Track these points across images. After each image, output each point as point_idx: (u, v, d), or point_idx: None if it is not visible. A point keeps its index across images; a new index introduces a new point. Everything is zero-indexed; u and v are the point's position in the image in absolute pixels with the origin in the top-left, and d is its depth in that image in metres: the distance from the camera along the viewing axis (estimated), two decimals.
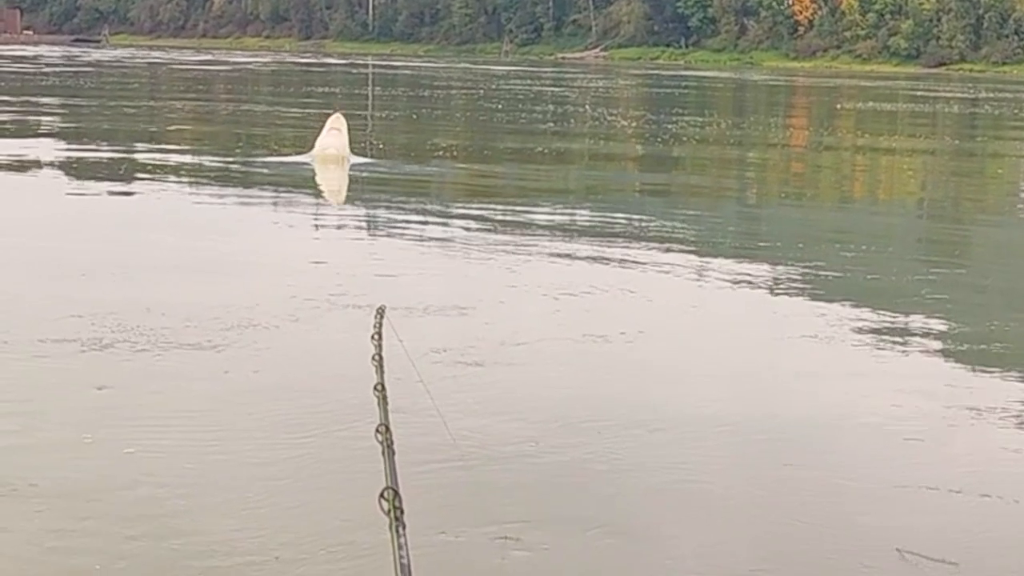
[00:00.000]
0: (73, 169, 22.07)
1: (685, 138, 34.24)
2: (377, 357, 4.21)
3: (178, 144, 27.94)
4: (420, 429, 7.29)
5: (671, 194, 21.93)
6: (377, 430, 3.55)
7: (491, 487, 6.92)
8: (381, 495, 3.01)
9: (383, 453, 3.41)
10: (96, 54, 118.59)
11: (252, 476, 6.93)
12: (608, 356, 9.99)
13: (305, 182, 22.38)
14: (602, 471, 7.18)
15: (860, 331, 10.98)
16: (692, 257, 14.34)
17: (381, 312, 4.78)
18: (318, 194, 21.50)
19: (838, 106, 61.46)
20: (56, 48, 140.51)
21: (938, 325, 11.37)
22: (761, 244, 15.59)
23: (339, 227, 17.44)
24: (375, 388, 3.91)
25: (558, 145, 30.86)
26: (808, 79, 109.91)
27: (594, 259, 13.90)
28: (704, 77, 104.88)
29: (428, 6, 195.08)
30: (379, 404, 3.85)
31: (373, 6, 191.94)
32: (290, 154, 25.23)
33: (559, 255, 14.14)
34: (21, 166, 22.02)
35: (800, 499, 6.90)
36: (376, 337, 4.35)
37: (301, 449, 7.38)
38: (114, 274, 12.46)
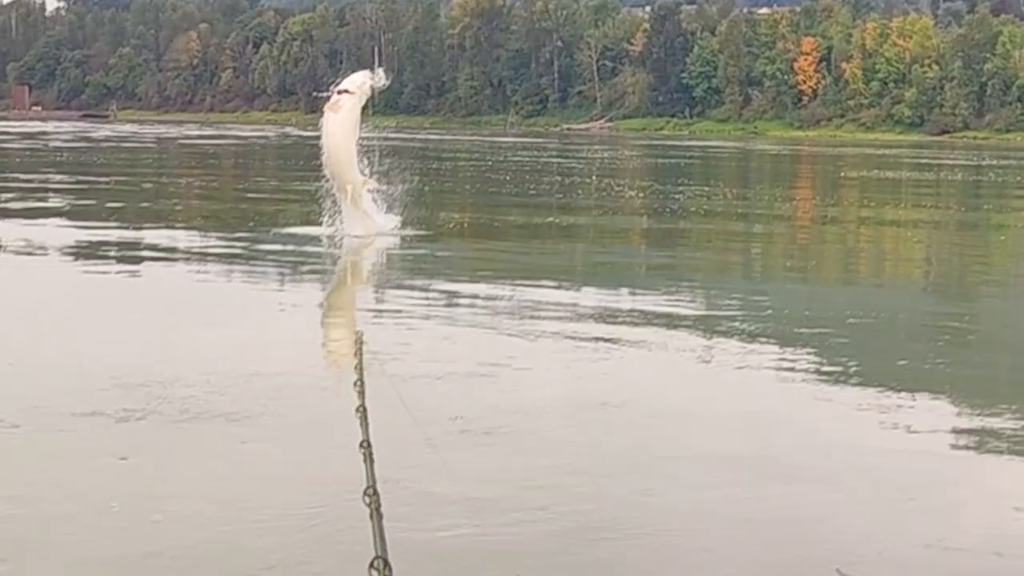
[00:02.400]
0: (83, 249, 22.16)
1: (690, 211, 34.41)
2: (361, 410, 4.23)
3: (188, 221, 28.09)
4: (427, 491, 7.38)
5: (677, 269, 22.00)
6: (366, 492, 3.55)
7: (503, 552, 7.04)
8: (371, 565, 3.03)
9: (371, 516, 3.43)
10: (104, 130, 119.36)
11: (271, 545, 7.03)
12: (613, 425, 10.12)
13: (314, 257, 22.55)
14: (610, 538, 7.25)
15: (863, 408, 11.02)
16: (698, 334, 14.40)
17: (360, 343, 4.80)
18: (327, 269, 21.64)
19: (842, 175, 61.73)
20: (65, 124, 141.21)
21: (945, 402, 11.41)
22: (766, 322, 15.61)
23: (348, 300, 17.63)
24: (361, 445, 3.89)
25: (565, 219, 31.01)
26: (812, 148, 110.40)
27: (600, 337, 13.95)
28: (709, 147, 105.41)
29: (434, 79, 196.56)
30: (365, 461, 3.86)
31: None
32: (297, 226, 25.51)
33: (566, 331, 14.20)
34: (32, 247, 22.15)
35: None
36: (360, 390, 4.36)
37: (319, 518, 7.48)
38: (129, 350, 12.58)
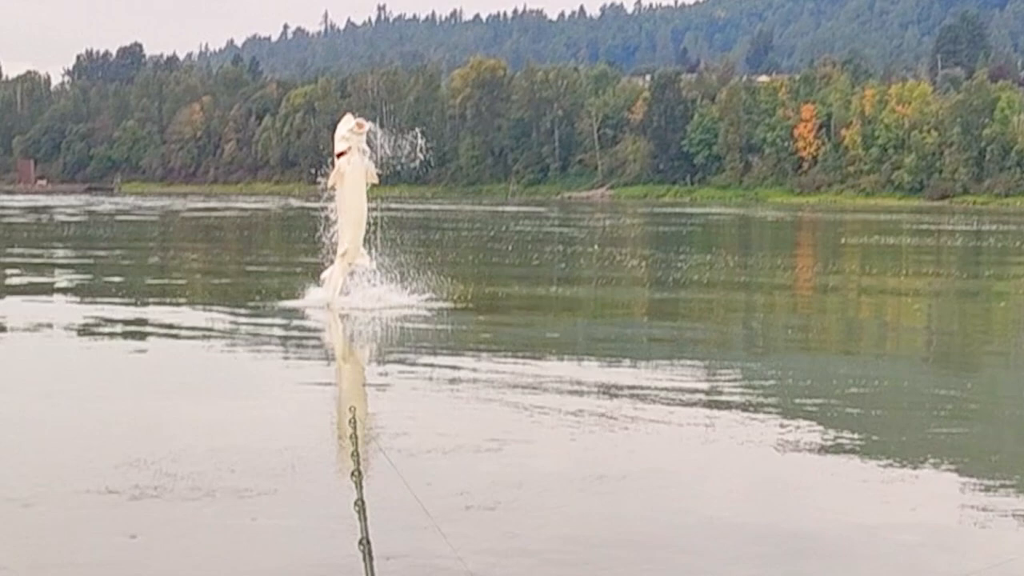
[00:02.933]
0: (90, 326, 22.30)
1: (692, 280, 34.53)
2: (356, 474, 4.33)
3: (193, 296, 28.25)
4: (432, 565, 7.51)
5: (678, 341, 22.06)
6: (361, 541, 3.68)
7: None
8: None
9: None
10: (109, 203, 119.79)
11: None
12: (616, 497, 10.30)
13: (317, 330, 22.75)
14: None
15: (866, 480, 11.16)
16: (700, 407, 14.57)
17: (354, 423, 4.86)
18: (331, 343, 21.81)
19: (843, 242, 61.92)
20: (70, 197, 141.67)
21: (948, 475, 11.53)
22: (768, 394, 15.72)
23: (352, 375, 17.80)
24: (360, 540, 3.99)
25: (567, 291, 31.13)
26: (813, 214, 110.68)
27: (602, 411, 14.10)
28: (710, 214, 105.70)
29: (435, 148, 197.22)
30: (359, 518, 3.98)
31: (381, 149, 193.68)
32: (299, 299, 25.73)
33: (568, 405, 14.33)
34: (39, 324, 22.26)
35: None
36: (356, 479, 4.45)
37: None
38: (138, 427, 12.75)
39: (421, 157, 26.54)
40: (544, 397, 15.05)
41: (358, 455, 4.91)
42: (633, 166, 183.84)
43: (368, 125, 25.50)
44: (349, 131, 25.07)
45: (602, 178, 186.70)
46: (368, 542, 4.21)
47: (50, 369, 17.48)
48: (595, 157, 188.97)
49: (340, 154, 25.10)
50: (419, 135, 28.36)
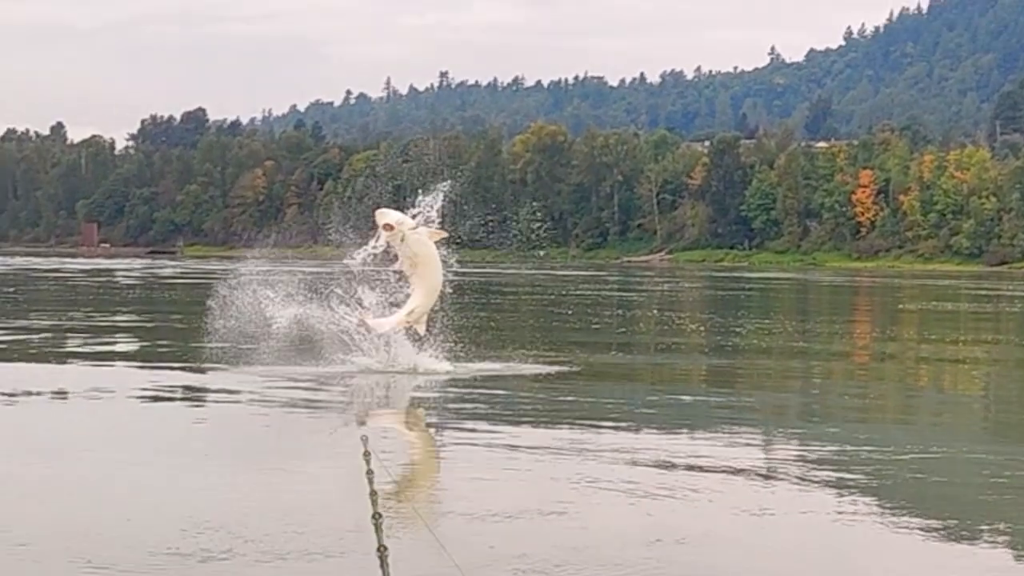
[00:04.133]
0: (152, 391, 22.53)
1: (749, 347, 34.64)
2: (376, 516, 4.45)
3: (253, 359, 28.30)
4: None
5: (736, 409, 22.11)
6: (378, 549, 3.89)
7: None
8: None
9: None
10: (171, 266, 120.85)
11: None
12: (672, 563, 10.50)
13: (374, 394, 23.05)
14: None
15: (923, 554, 11.26)
16: (757, 478, 14.65)
17: (367, 451, 5.00)
18: (389, 407, 22.11)
19: (900, 307, 61.73)
20: (132, 261, 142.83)
21: (1005, 553, 11.57)
22: (825, 465, 15.70)
23: (412, 439, 18.10)
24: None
25: (625, 359, 31.13)
26: (871, 279, 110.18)
27: (659, 481, 14.21)
28: (768, 279, 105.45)
29: (495, 212, 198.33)
30: (381, 565, 4.17)
31: (441, 213, 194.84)
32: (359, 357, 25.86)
33: (624, 475, 14.43)
34: (102, 390, 22.36)
35: None
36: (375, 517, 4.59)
37: None
38: (203, 490, 12.93)
39: (536, 229, 26.56)
40: (602, 463, 15.19)
41: (376, 496, 5.04)
42: (692, 231, 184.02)
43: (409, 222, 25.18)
44: (398, 222, 24.99)
45: (661, 242, 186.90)
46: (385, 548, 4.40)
47: (113, 434, 17.74)
48: (654, 222, 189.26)
49: (386, 226, 24.95)
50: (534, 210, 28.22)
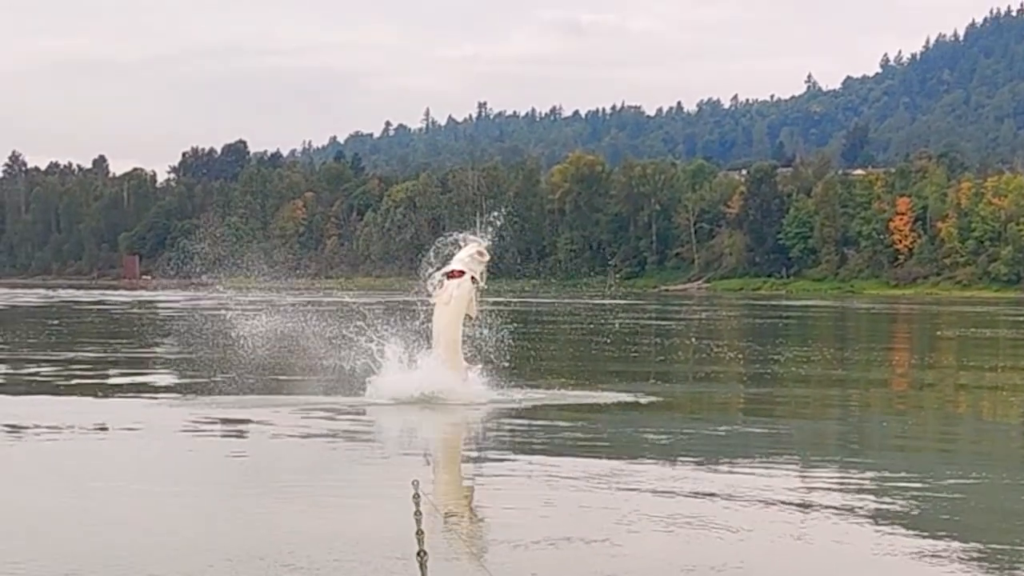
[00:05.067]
0: (192, 424, 22.74)
1: (788, 376, 34.66)
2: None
3: (293, 390, 28.51)
4: None
5: (773, 438, 22.25)
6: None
7: None
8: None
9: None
10: (212, 298, 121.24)
11: None
12: None
13: (413, 427, 23.38)
14: None
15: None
16: (795, 508, 14.74)
17: (417, 494, 5.20)
18: (427, 439, 22.41)
19: (939, 334, 61.67)
20: (173, 293, 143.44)
21: None
22: (864, 496, 15.79)
23: (454, 468, 18.31)
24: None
25: (664, 388, 30.84)
26: (909, 306, 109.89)
27: (696, 511, 14.38)
28: (806, 307, 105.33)
29: (534, 243, 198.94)
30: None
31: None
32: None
33: (663, 502, 14.63)
34: (141, 424, 22.64)
35: None
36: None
37: None
38: (248, 522, 13.19)
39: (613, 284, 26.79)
40: (641, 493, 15.41)
41: (422, 534, 5.27)
42: (729, 259, 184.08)
43: (487, 255, 25.56)
44: (470, 256, 25.25)
45: (698, 271, 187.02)
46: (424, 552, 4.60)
47: (154, 468, 17.94)
48: (692, 250, 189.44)
49: (452, 274, 25.26)
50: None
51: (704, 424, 24.01)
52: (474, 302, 25.41)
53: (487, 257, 25.65)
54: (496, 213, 28.31)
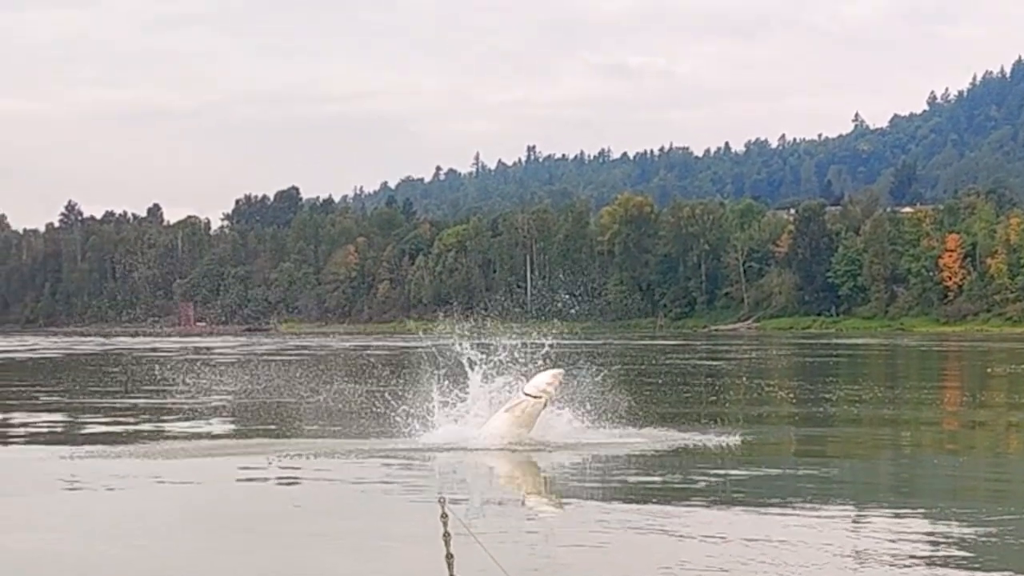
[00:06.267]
0: (246, 473, 23.20)
1: (839, 415, 34.98)
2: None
3: (346, 436, 28.53)
4: None
5: (825, 481, 22.41)
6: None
7: None
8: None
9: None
10: (266, 343, 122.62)
11: None
12: None
13: (469, 468, 23.99)
14: None
15: None
16: (846, 556, 14.88)
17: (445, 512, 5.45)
18: (476, 484, 22.87)
19: (989, 371, 61.66)
20: (228, 339, 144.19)
21: None
22: (918, 544, 15.78)
23: (497, 508, 18.32)
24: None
25: (715, 430, 30.40)
26: (959, 343, 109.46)
27: (749, 560, 14.68)
28: (856, 345, 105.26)
29: (584, 285, 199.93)
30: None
31: (532, 286, 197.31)
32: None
33: (713, 551, 15.06)
34: (199, 474, 23.13)
35: None
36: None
37: None
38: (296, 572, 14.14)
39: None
40: (692, 539, 15.83)
41: (452, 559, 5.49)
42: (778, 298, 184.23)
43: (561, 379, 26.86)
44: (547, 384, 26.43)
45: (748, 311, 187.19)
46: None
47: (207, 519, 18.45)
48: (741, 290, 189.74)
49: (528, 394, 26.44)
50: None
51: (756, 466, 24.09)
52: (535, 424, 26.47)
53: (558, 381, 26.80)
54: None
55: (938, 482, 22.51)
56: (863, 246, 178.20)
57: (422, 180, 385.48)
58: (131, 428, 32.17)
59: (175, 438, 29.32)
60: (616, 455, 25.26)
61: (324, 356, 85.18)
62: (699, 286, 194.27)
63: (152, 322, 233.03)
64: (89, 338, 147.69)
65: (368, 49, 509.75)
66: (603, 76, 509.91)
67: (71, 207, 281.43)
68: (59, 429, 32.69)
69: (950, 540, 15.80)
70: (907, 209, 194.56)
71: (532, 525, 17.94)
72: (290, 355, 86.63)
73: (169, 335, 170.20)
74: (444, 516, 5.28)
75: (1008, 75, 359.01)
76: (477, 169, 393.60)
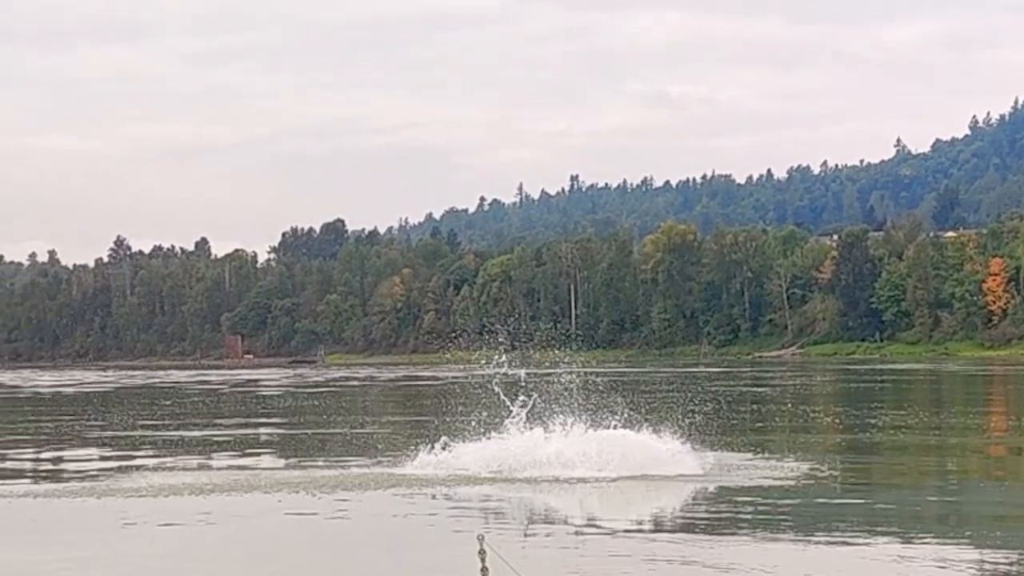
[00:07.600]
0: (286, 512, 23.55)
1: (884, 442, 35.24)
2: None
3: (393, 465, 29.49)
4: None
5: (871, 512, 22.61)
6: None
7: None
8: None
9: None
10: (313, 375, 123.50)
11: None
12: None
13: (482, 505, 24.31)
14: None
15: None
16: None
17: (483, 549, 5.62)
18: (517, 509, 23.15)
19: None
20: (275, 371, 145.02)
21: None
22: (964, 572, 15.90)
23: (536, 544, 18.81)
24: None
25: (759, 458, 30.56)
26: (1004, 367, 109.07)
27: None
28: (901, 370, 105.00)
29: (628, 313, 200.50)
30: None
31: (576, 315, 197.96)
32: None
33: None
34: (239, 513, 23.65)
35: None
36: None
37: None
38: None
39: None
40: (738, 574, 16.19)
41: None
42: (822, 324, 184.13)
43: None
44: None
45: (792, 337, 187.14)
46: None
47: (253, 558, 19.02)
48: (784, 317, 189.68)
49: None
50: None
51: (802, 497, 24.25)
52: None
53: None
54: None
55: (984, 510, 22.63)
56: (906, 271, 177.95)
57: (466, 211, 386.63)
58: (179, 462, 32.53)
59: (223, 471, 29.64)
60: (659, 486, 25.59)
61: (391, 389, 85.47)
62: (743, 313, 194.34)
63: (200, 355, 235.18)
64: (139, 371, 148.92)
65: (411, 82, 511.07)
66: (645, 105, 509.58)
67: (120, 242, 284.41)
68: (112, 465, 32.78)
69: (997, 570, 16.03)
70: (950, 234, 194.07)
71: (577, 561, 18.21)
72: (349, 385, 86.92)
73: (219, 368, 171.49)
74: (482, 552, 5.43)
75: None
76: (521, 199, 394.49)
